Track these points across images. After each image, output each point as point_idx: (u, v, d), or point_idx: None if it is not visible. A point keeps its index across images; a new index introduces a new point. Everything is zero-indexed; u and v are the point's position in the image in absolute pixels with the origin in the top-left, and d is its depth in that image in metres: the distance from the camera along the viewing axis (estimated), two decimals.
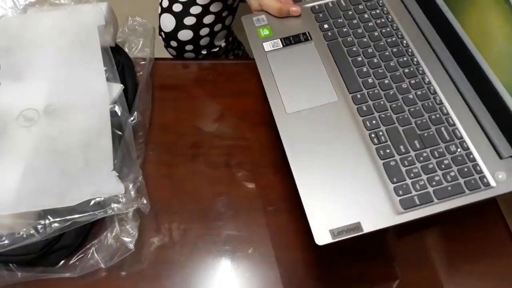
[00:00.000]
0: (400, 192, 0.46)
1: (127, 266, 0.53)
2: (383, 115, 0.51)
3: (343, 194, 0.46)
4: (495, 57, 0.48)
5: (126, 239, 0.52)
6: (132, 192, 0.53)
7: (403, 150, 0.48)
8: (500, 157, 0.47)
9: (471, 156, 0.47)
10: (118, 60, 0.65)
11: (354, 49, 0.56)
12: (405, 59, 0.54)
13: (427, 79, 0.52)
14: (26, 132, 0.56)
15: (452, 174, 0.46)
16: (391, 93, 0.52)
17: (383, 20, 0.58)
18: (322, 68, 0.55)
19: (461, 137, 0.48)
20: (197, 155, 0.63)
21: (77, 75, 0.61)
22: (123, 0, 0.87)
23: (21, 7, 0.67)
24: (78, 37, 0.63)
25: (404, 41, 0.56)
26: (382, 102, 0.51)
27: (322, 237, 0.44)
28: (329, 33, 0.57)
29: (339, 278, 0.53)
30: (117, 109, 0.59)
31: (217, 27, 0.81)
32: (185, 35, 0.78)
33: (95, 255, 0.52)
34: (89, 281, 0.53)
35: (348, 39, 0.56)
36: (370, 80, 0.53)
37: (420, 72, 0.53)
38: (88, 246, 0.54)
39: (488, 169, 0.46)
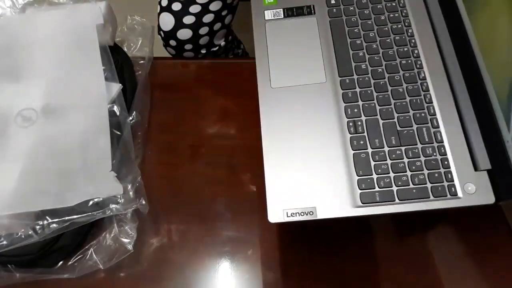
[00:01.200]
0: (363, 186, 0.45)
1: (125, 267, 0.53)
2: (366, 105, 0.49)
3: (307, 178, 0.46)
4: (495, 66, 0.47)
5: (125, 240, 0.52)
6: (131, 193, 0.53)
7: (377, 144, 0.47)
8: (475, 169, 0.46)
9: (446, 162, 0.46)
10: (117, 60, 0.64)
11: (355, 30, 0.54)
12: (405, 49, 0.52)
13: (423, 75, 0.51)
14: (24, 132, 0.56)
15: (421, 177, 0.45)
16: (381, 83, 0.50)
17: (394, 4, 0.55)
18: (318, 46, 0.53)
19: (441, 141, 0.47)
20: (197, 155, 0.63)
21: (76, 75, 0.60)
22: None
23: (20, 6, 0.66)
24: (76, 36, 0.62)
25: (410, 30, 0.53)
26: (369, 91, 0.50)
27: (275, 216, 0.44)
28: (335, 10, 0.55)
29: (339, 279, 0.53)
30: (115, 108, 0.59)
31: (217, 26, 0.80)
32: (184, 34, 0.77)
33: (94, 256, 0.52)
34: (88, 282, 0.52)
35: (353, 19, 0.54)
36: (363, 66, 0.52)
37: (418, 66, 0.51)
38: (86, 247, 0.53)
39: (459, 179, 0.45)
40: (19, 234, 0.50)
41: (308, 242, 0.55)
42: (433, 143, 0.47)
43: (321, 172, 0.46)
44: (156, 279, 0.53)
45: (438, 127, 0.48)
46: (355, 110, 0.49)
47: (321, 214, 0.44)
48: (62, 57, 0.62)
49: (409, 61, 0.52)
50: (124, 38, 0.70)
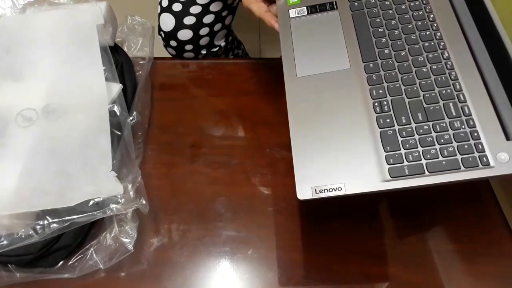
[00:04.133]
0: (391, 161, 0.45)
1: (126, 267, 0.53)
2: (391, 86, 0.50)
3: (334, 156, 0.47)
4: None
5: (125, 240, 0.52)
6: (131, 193, 0.53)
7: (404, 121, 0.48)
8: (508, 139, 0.45)
9: (475, 134, 0.46)
10: (117, 60, 0.65)
11: (377, 20, 0.55)
12: (428, 33, 0.53)
13: (446, 54, 0.51)
14: (24, 132, 0.56)
15: (451, 149, 0.45)
16: (405, 65, 0.51)
17: None
18: (341, 36, 0.55)
19: (469, 114, 0.47)
20: (197, 155, 0.63)
21: (76, 75, 0.60)
22: None
23: (20, 7, 0.66)
24: (77, 37, 0.62)
25: (432, 15, 0.54)
26: (393, 73, 0.51)
27: (304, 193, 0.45)
28: (356, 4, 0.57)
29: (338, 278, 0.53)
30: (116, 109, 0.59)
31: (217, 26, 0.80)
32: (184, 34, 0.77)
33: (94, 255, 0.52)
34: (88, 282, 0.52)
35: (374, 10, 0.56)
36: (386, 51, 0.53)
37: (441, 47, 0.52)
38: (87, 246, 0.53)
39: (490, 149, 0.45)
40: (20, 234, 0.50)
41: (308, 243, 0.55)
42: (461, 116, 0.47)
43: (348, 151, 0.47)
44: (156, 279, 0.53)
45: (465, 101, 0.48)
46: (380, 91, 0.50)
47: (350, 190, 0.44)
48: (62, 57, 0.62)
49: (432, 43, 0.52)
50: (124, 38, 0.70)
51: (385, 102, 0.49)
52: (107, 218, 0.53)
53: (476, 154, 0.45)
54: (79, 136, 0.56)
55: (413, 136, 0.47)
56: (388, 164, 0.45)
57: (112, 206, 0.51)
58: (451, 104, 0.48)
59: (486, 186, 0.59)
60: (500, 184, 0.57)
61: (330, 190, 0.45)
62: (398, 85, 0.50)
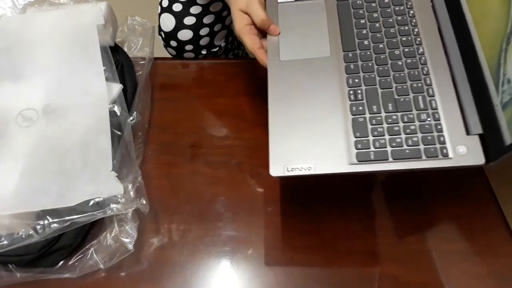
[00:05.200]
0: (359, 146, 0.48)
1: (126, 266, 0.53)
2: (367, 76, 0.53)
3: (307, 138, 0.49)
4: (486, 35, 0.50)
5: (126, 240, 0.52)
6: (131, 193, 0.53)
7: (375, 110, 0.50)
8: (468, 133, 0.48)
9: (439, 127, 0.48)
10: (118, 60, 0.65)
11: (360, 11, 0.58)
12: (406, 28, 0.56)
13: (421, 50, 0.54)
14: (25, 132, 0.56)
15: (415, 139, 0.48)
16: (382, 57, 0.54)
17: None
18: (325, 25, 0.57)
19: (436, 108, 0.50)
20: (197, 155, 0.63)
21: (76, 75, 0.60)
22: None
23: (20, 7, 0.67)
24: (77, 37, 0.63)
25: (412, 11, 0.57)
26: (370, 64, 0.54)
27: (276, 170, 0.48)
28: None
29: (338, 278, 0.53)
30: (116, 109, 0.59)
31: (217, 27, 0.80)
32: (185, 34, 0.77)
33: (94, 255, 0.52)
34: (88, 282, 0.52)
35: (358, 1, 0.59)
36: (366, 42, 0.55)
37: (417, 42, 0.54)
38: (87, 246, 0.53)
39: (451, 141, 0.47)
40: (20, 234, 0.50)
41: (307, 243, 0.55)
42: (428, 109, 0.50)
43: (321, 134, 0.49)
44: (157, 279, 0.53)
45: (433, 95, 0.51)
46: (356, 80, 0.53)
47: (319, 170, 0.47)
48: (62, 58, 0.62)
49: (409, 38, 0.55)
50: (124, 38, 0.70)
51: (359, 91, 0.52)
52: (107, 218, 0.53)
53: (438, 146, 0.47)
54: (79, 136, 0.56)
55: (382, 124, 0.49)
56: (356, 149, 0.48)
57: (113, 206, 0.51)
58: (420, 97, 0.51)
59: (486, 186, 0.59)
60: (500, 184, 0.57)
61: (301, 169, 0.47)
62: (373, 75, 0.53)
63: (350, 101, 0.51)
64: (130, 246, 0.52)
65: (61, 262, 0.53)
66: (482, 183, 0.59)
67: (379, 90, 0.52)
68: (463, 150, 0.47)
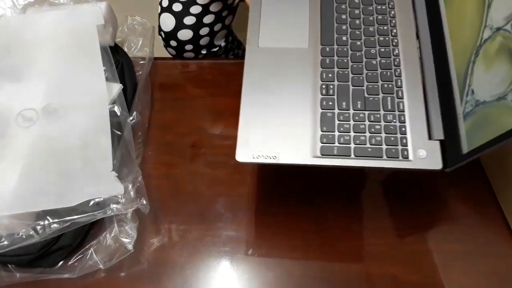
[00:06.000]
0: (324, 140, 0.49)
1: (126, 267, 0.53)
2: (341, 72, 0.54)
3: (276, 128, 0.50)
4: (459, 46, 0.51)
5: (125, 240, 0.52)
6: (132, 193, 0.53)
7: (344, 107, 0.51)
8: (430, 138, 0.49)
9: (403, 129, 0.50)
10: (117, 60, 0.65)
11: (343, 6, 0.59)
12: (385, 28, 0.57)
13: (397, 52, 0.55)
14: (25, 132, 0.56)
15: (378, 139, 0.49)
16: (357, 54, 0.55)
17: None
18: (306, 16, 0.58)
19: (402, 110, 0.51)
20: (197, 155, 0.63)
21: (76, 75, 0.60)
22: None
23: (20, 7, 0.66)
24: (77, 37, 0.62)
25: (393, 12, 0.58)
26: (345, 60, 0.54)
27: (243, 156, 0.49)
28: None
29: (338, 278, 0.53)
30: (116, 109, 0.59)
31: (217, 26, 0.80)
32: (185, 34, 0.77)
33: (94, 256, 0.52)
34: (88, 282, 0.52)
35: None
36: (344, 38, 0.56)
37: (394, 43, 0.55)
38: (87, 246, 0.53)
39: (413, 145, 0.49)
40: (20, 234, 0.50)
41: (307, 243, 0.55)
42: (394, 111, 0.51)
43: (289, 125, 0.51)
44: (156, 279, 0.53)
45: (402, 98, 0.52)
46: (330, 75, 0.54)
47: (283, 159, 0.49)
48: (62, 58, 0.62)
49: (387, 39, 0.56)
50: (124, 38, 0.70)
51: (331, 86, 0.53)
52: (107, 218, 0.53)
53: (399, 147, 0.49)
54: (80, 136, 0.56)
55: (349, 121, 0.51)
56: (321, 143, 0.49)
57: (113, 206, 0.51)
58: (389, 98, 0.52)
59: (486, 186, 0.59)
60: (500, 184, 0.57)
61: (266, 157, 0.49)
62: (347, 72, 0.54)
63: (322, 95, 0.52)
64: (130, 247, 0.52)
65: (61, 262, 0.53)
66: (482, 183, 0.59)
67: (351, 87, 0.53)
68: (423, 154, 0.48)
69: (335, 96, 0.52)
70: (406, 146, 0.49)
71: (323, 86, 0.53)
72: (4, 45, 0.63)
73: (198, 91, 0.70)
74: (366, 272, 0.53)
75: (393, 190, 0.59)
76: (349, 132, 0.50)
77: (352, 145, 0.49)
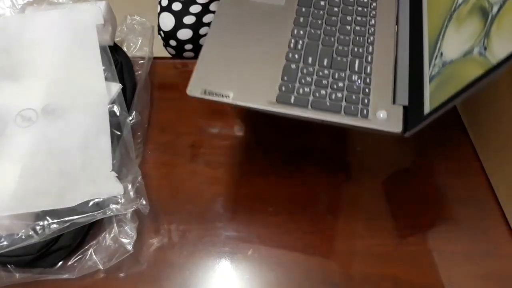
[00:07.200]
0: (283, 89, 0.49)
1: (125, 267, 0.53)
2: (312, 31, 0.54)
3: (236, 69, 0.51)
4: (435, 12, 0.51)
5: (125, 240, 0.52)
6: (131, 193, 0.53)
7: (310, 62, 0.52)
8: (394, 102, 0.49)
9: (367, 90, 0.49)
10: (117, 59, 0.64)
11: None
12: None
13: (373, 22, 0.55)
14: (24, 133, 0.56)
15: (339, 95, 0.49)
16: (333, 19, 0.56)
17: None
18: None
19: (369, 74, 0.51)
20: (197, 155, 0.63)
21: (76, 75, 0.60)
22: None
23: (19, 7, 0.66)
24: (76, 36, 0.62)
25: None
26: (319, 22, 0.55)
27: (193, 90, 0.49)
28: None
29: (339, 279, 0.53)
30: (115, 109, 0.58)
31: None
32: (184, 34, 0.77)
33: (94, 256, 0.52)
34: (88, 283, 0.52)
35: None
36: (322, 3, 0.57)
37: (372, 14, 0.56)
38: (86, 247, 0.53)
39: (374, 106, 0.48)
40: (20, 234, 0.50)
41: (308, 243, 0.55)
42: (361, 73, 0.51)
43: (250, 70, 0.51)
44: (156, 280, 0.53)
45: (371, 62, 0.52)
46: (301, 32, 0.54)
47: (236, 100, 0.48)
48: (62, 57, 0.61)
49: (365, 10, 0.57)
50: (124, 38, 0.70)
51: (300, 42, 0.53)
52: (107, 219, 0.53)
53: (359, 106, 0.48)
54: (79, 136, 0.55)
55: (312, 76, 0.51)
56: (279, 91, 0.49)
57: (112, 206, 0.51)
58: (357, 61, 0.52)
59: (487, 187, 0.59)
60: (501, 184, 0.57)
61: (219, 95, 0.48)
62: (319, 32, 0.54)
63: (289, 48, 0.52)
64: (130, 247, 0.52)
65: (60, 263, 0.53)
66: (484, 184, 0.59)
67: (320, 46, 0.53)
68: (383, 115, 0.47)
69: (302, 51, 0.52)
70: (367, 106, 0.48)
71: (292, 41, 0.53)
72: (3, 44, 0.62)
73: None
74: (367, 272, 0.53)
75: (394, 190, 0.59)
76: (310, 85, 0.49)
77: (311, 97, 0.48)
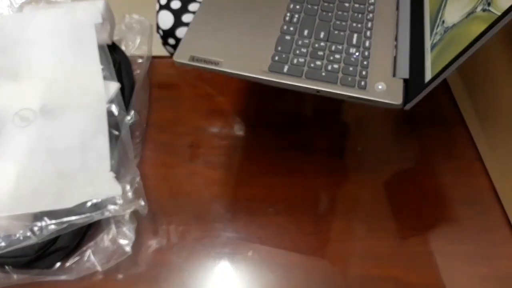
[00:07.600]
0: (276, 58, 0.48)
1: (124, 269, 0.53)
2: (309, 7, 0.53)
3: (228, 37, 0.49)
4: None
5: (123, 242, 0.52)
6: (130, 194, 0.52)
7: (305, 34, 0.50)
8: (394, 75, 0.47)
9: (365, 63, 0.48)
10: (115, 58, 0.64)
11: None
12: None
13: (373, 0, 0.54)
14: (21, 132, 0.55)
15: (335, 66, 0.47)
16: None
17: None
18: None
19: (368, 48, 0.49)
20: (196, 155, 0.62)
21: (74, 74, 0.60)
22: None
23: (17, 6, 0.66)
24: (74, 35, 0.62)
25: None
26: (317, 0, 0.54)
27: (181, 56, 0.47)
28: None
29: (339, 280, 0.52)
30: (114, 108, 0.58)
31: None
32: (183, 32, 0.77)
33: (92, 257, 0.52)
34: (86, 284, 0.52)
35: None
36: None
37: None
38: (84, 248, 0.53)
39: (372, 77, 0.47)
40: (18, 235, 0.49)
41: (308, 244, 0.55)
42: (359, 47, 0.50)
43: (243, 39, 0.49)
44: (155, 281, 0.52)
45: (370, 37, 0.51)
46: (297, 7, 0.53)
47: (227, 67, 0.46)
48: (60, 56, 0.61)
49: None
50: (122, 36, 0.70)
51: (296, 15, 0.52)
52: (105, 220, 0.53)
53: (357, 77, 0.47)
54: (77, 136, 0.55)
55: (307, 48, 0.49)
56: (272, 60, 0.48)
57: (111, 207, 0.51)
58: (355, 35, 0.51)
59: (489, 187, 0.58)
60: (503, 185, 0.57)
61: (207, 61, 0.46)
62: (316, 8, 0.53)
63: (284, 21, 0.51)
64: (128, 248, 0.51)
65: (58, 264, 0.52)
66: (486, 184, 0.59)
67: (317, 21, 0.52)
68: (382, 87, 0.46)
69: (298, 25, 0.51)
70: (365, 78, 0.46)
71: (288, 15, 0.52)
72: (1, 44, 0.62)
73: (197, 90, 0.70)
74: (368, 274, 0.53)
75: (395, 191, 0.59)
76: (305, 57, 0.48)
77: (305, 68, 0.47)
